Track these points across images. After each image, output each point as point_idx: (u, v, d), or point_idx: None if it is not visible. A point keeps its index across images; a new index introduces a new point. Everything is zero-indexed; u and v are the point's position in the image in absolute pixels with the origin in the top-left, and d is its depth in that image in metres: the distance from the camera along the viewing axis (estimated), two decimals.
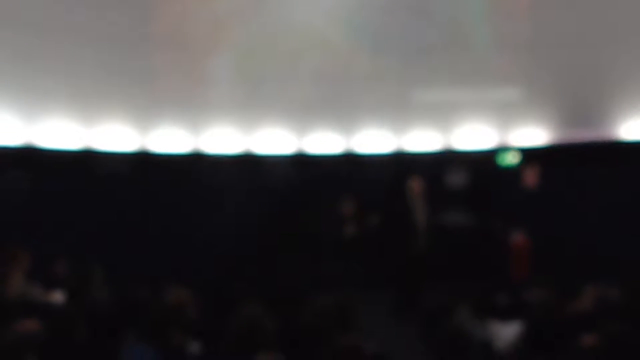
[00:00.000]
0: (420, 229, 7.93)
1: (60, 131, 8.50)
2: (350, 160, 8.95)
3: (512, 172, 8.80)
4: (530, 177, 8.41)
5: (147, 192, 8.45)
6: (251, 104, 8.90)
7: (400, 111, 8.95)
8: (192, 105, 8.84)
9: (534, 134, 9.01)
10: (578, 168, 8.67)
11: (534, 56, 8.85)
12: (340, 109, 8.93)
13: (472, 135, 9.03)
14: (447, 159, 8.96)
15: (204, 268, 7.94)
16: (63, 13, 8.32)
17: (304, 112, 8.88)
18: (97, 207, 8.21)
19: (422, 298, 7.69)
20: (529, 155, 8.84)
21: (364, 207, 8.54)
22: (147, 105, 8.74)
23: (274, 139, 8.92)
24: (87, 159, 8.53)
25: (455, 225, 8.73)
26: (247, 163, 8.83)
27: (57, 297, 5.91)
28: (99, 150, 8.60)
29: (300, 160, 8.90)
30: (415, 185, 8.06)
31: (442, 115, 8.95)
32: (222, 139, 8.87)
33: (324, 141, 9.00)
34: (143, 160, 8.67)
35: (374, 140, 9.00)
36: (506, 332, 5.61)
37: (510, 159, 8.98)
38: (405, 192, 8.03)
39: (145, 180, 8.60)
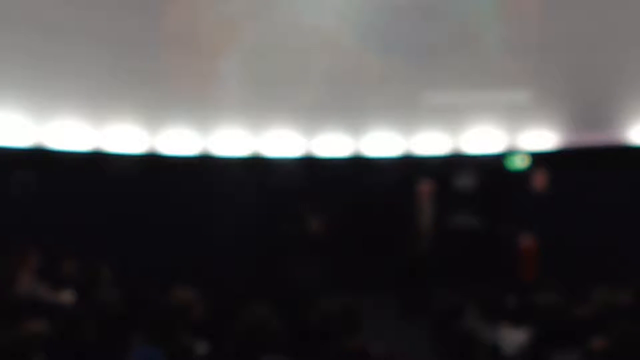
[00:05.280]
0: (424, 232, 7.94)
1: (70, 132, 8.53)
2: (358, 163, 8.94)
3: (521, 176, 8.77)
4: (540, 181, 8.38)
5: (156, 193, 8.46)
6: (260, 105, 8.90)
7: (409, 113, 8.94)
8: (201, 106, 8.86)
9: (544, 137, 8.99)
10: (587, 171, 8.64)
11: (543, 59, 8.83)
12: (349, 110, 8.92)
13: (481, 138, 9.01)
14: (456, 162, 8.94)
15: (211, 269, 7.94)
16: (74, 14, 8.34)
17: (313, 113, 8.88)
18: (106, 208, 8.22)
19: (429, 300, 7.69)
20: (538, 158, 8.81)
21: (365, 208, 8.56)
22: (157, 106, 8.75)
23: (282, 141, 8.93)
24: (97, 159, 8.54)
25: (464, 228, 8.71)
26: (256, 165, 8.84)
27: (66, 296, 5.93)
28: (109, 151, 8.61)
29: (309, 162, 8.90)
30: (424, 188, 8.07)
31: (451, 117, 8.94)
32: (231, 140, 8.88)
33: (333, 143, 8.99)
34: (152, 162, 8.68)
35: (382, 142, 8.99)
36: (515, 335, 5.59)
37: (520, 162, 8.95)
38: (412, 194, 8.04)
39: (154, 181, 8.61)
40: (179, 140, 8.81)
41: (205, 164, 8.76)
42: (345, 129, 8.95)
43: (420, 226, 7.97)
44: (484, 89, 8.95)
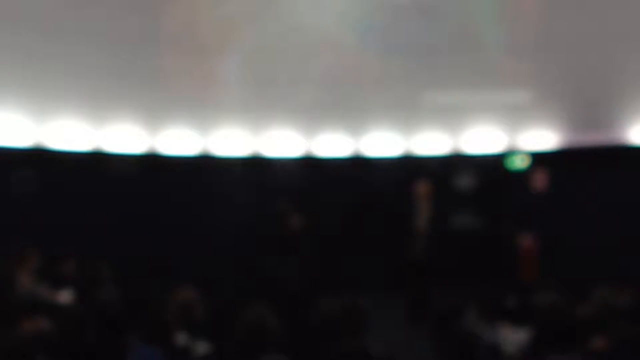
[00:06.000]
0: (421, 233, 7.90)
1: (70, 132, 8.53)
2: (358, 163, 8.94)
3: (521, 175, 8.77)
4: (539, 181, 8.38)
5: (156, 193, 8.46)
6: (260, 105, 8.90)
7: (409, 113, 8.94)
8: (201, 106, 8.86)
9: (544, 137, 8.98)
10: (587, 171, 8.63)
11: (543, 59, 8.82)
12: (349, 111, 8.92)
13: (481, 138, 9.00)
14: (456, 161, 8.94)
15: (211, 268, 7.94)
16: (73, 14, 8.34)
17: (313, 114, 8.88)
18: (106, 208, 8.22)
19: (430, 301, 7.69)
20: (538, 158, 8.81)
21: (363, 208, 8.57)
22: (157, 106, 8.75)
23: (282, 141, 8.93)
24: (97, 159, 8.55)
25: (464, 228, 8.71)
26: (256, 164, 8.84)
27: (65, 296, 5.93)
28: (109, 151, 8.62)
29: (309, 162, 8.90)
30: (422, 189, 8.03)
31: (451, 117, 8.94)
32: (231, 140, 8.88)
33: (333, 143, 8.99)
34: (152, 161, 8.68)
35: (382, 142, 8.99)
36: (515, 335, 5.59)
37: (519, 162, 8.95)
38: (410, 195, 8.02)
39: (154, 181, 8.61)
40: (179, 140, 8.80)
41: (205, 164, 8.76)
42: (345, 129, 8.95)
43: (416, 227, 7.95)
44: (484, 89, 8.95)
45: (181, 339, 4.71)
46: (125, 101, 8.67)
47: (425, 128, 8.99)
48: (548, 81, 8.90)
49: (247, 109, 8.90)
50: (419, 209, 7.96)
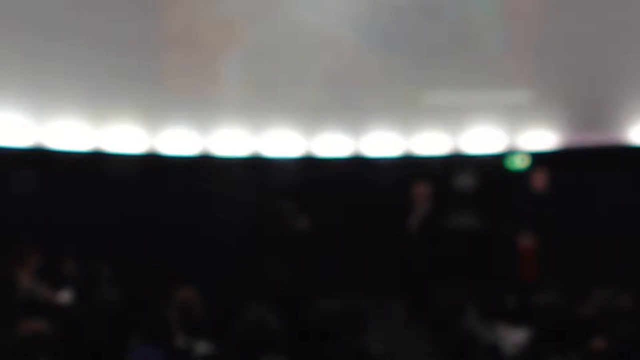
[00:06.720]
0: (419, 234, 7.88)
1: (70, 132, 8.53)
2: (358, 163, 8.94)
3: (521, 176, 8.77)
4: (540, 181, 8.38)
5: (156, 193, 8.46)
6: (260, 105, 8.91)
7: (409, 113, 8.94)
8: (201, 106, 8.86)
9: (544, 137, 8.99)
10: (587, 171, 8.64)
11: (544, 58, 8.83)
12: (350, 110, 8.92)
13: (482, 138, 9.01)
14: (456, 161, 8.94)
15: (211, 269, 7.94)
16: (73, 14, 8.34)
17: (313, 113, 8.88)
18: (106, 208, 8.22)
19: (430, 301, 7.69)
20: (539, 158, 8.81)
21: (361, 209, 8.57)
22: (157, 106, 8.75)
23: (282, 141, 8.93)
24: (97, 159, 8.55)
25: (464, 228, 8.71)
26: (256, 164, 8.84)
27: (65, 296, 5.93)
28: (109, 151, 8.62)
29: (309, 162, 8.90)
30: (419, 190, 8.01)
31: (452, 117, 8.94)
32: (231, 140, 8.88)
33: (333, 143, 8.99)
34: (152, 162, 8.68)
35: (382, 142, 8.99)
36: (515, 335, 5.59)
37: (520, 162, 8.95)
38: (407, 196, 8.01)
39: (154, 181, 8.61)
40: (179, 140, 8.81)
41: (205, 164, 8.76)
42: (345, 129, 8.95)
43: (414, 228, 7.94)
44: (484, 89, 8.95)
45: (181, 339, 4.71)
46: (125, 101, 8.67)
47: (425, 128, 8.99)
48: (548, 81, 8.90)
49: (247, 109, 8.90)
50: (416, 210, 7.96)
